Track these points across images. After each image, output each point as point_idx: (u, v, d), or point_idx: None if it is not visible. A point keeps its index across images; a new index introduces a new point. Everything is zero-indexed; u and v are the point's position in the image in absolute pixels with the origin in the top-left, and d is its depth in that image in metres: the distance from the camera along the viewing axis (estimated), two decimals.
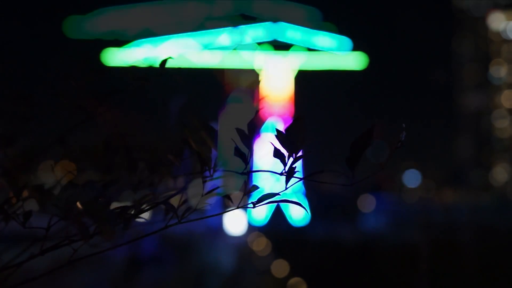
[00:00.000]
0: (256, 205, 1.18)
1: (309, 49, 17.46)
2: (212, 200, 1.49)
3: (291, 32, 17.14)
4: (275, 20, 17.09)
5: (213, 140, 1.24)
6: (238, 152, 1.22)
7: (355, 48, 17.70)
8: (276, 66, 17.29)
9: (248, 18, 17.01)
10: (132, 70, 1.44)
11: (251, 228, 13.86)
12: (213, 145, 1.24)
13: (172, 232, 9.54)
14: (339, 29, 17.66)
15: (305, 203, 15.28)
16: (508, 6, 30.98)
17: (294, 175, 1.16)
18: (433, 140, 28.14)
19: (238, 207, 1.22)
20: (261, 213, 14.35)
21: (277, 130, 1.15)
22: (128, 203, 1.32)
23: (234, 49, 17.00)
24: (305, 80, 17.92)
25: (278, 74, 17.30)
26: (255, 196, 1.26)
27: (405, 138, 1.16)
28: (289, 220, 14.10)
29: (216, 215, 1.49)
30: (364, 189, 17.25)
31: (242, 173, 1.22)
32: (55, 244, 1.17)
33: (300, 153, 1.17)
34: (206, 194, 1.28)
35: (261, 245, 12.31)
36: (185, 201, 1.35)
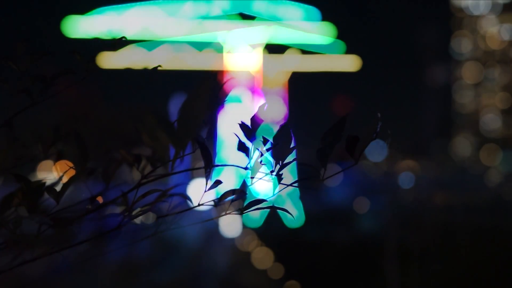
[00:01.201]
0: (244, 212, 1.18)
1: (303, 51, 17.46)
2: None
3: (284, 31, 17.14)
4: (274, 19, 17.06)
5: (170, 137, 1.16)
6: (241, 147, 1.18)
7: (351, 46, 17.69)
8: (270, 67, 17.29)
9: (247, 18, 16.96)
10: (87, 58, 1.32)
11: (246, 229, 13.83)
12: (168, 142, 1.19)
13: (163, 233, 9.45)
14: (337, 27, 17.62)
15: (299, 205, 15.26)
16: (507, 6, 31.00)
17: (281, 182, 1.17)
18: (431, 139, 28.11)
19: (226, 213, 1.21)
20: (256, 214, 14.33)
21: (263, 137, 1.15)
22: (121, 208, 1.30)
23: (230, 50, 16.98)
24: (300, 81, 17.92)
25: (271, 75, 17.30)
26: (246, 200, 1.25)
27: (380, 129, 1.15)
28: (284, 221, 14.07)
29: (207, 220, 1.48)
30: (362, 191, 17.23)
31: (245, 168, 1.19)
32: (45, 251, 1.17)
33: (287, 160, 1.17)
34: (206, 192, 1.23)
35: (256, 247, 12.30)
36: (177, 206, 1.34)
